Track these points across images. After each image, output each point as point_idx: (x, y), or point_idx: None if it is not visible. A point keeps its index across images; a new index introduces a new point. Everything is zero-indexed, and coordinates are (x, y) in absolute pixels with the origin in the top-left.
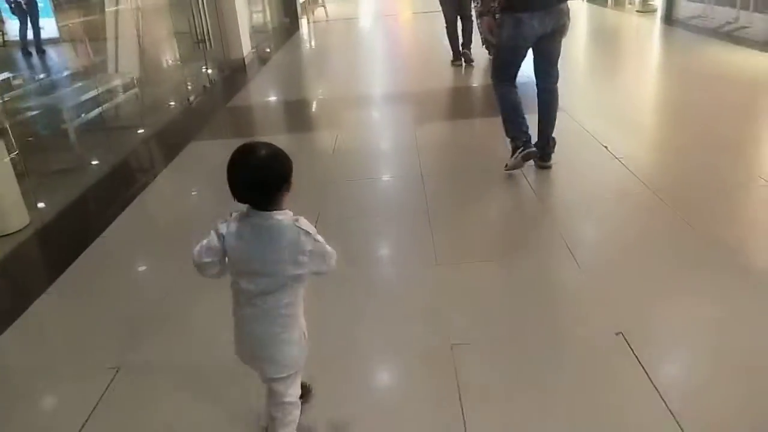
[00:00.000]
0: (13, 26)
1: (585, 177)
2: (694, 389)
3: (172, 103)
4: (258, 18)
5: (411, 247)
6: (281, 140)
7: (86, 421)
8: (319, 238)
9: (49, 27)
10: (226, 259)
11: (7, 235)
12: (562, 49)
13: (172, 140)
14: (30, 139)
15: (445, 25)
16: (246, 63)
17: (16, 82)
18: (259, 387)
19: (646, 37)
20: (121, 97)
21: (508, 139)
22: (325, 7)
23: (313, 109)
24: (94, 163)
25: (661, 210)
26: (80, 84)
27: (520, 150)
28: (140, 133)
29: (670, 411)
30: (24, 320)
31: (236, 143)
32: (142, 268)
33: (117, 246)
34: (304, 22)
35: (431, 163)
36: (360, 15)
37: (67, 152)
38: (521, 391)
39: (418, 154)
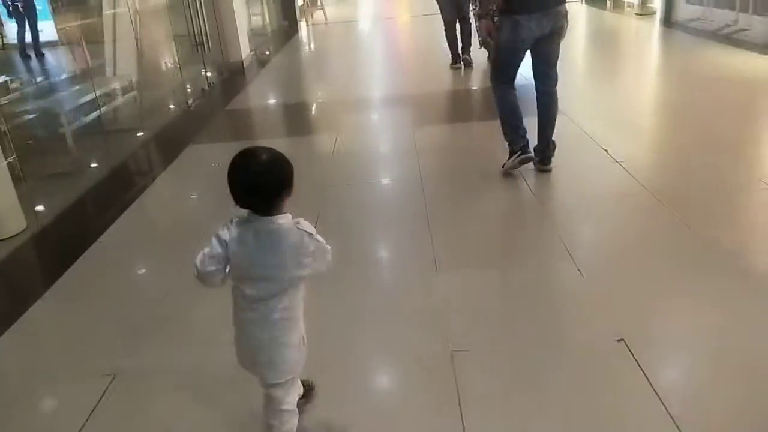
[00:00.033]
0: (12, 29)
1: (585, 180)
2: (694, 393)
3: (171, 106)
4: (257, 21)
5: (410, 251)
6: (280, 143)
7: (83, 425)
8: (320, 237)
9: (47, 30)
10: (228, 265)
11: (4, 239)
12: (561, 51)
13: (170, 143)
14: (28, 142)
15: (444, 27)
16: (245, 66)
17: (13, 85)
18: (259, 392)
19: (645, 39)
20: (119, 100)
21: (507, 142)
22: (324, 10)
23: (313, 112)
24: (91, 166)
25: (662, 213)
26: (78, 87)
27: (517, 154)
28: (139, 137)
29: (670, 415)
30: (21, 325)
31: (235, 146)
32: (139, 272)
33: (114, 250)
34: (303, 25)
35: (430, 165)
36: (359, 18)
37: (65, 156)
38: (521, 395)
39: (417, 157)
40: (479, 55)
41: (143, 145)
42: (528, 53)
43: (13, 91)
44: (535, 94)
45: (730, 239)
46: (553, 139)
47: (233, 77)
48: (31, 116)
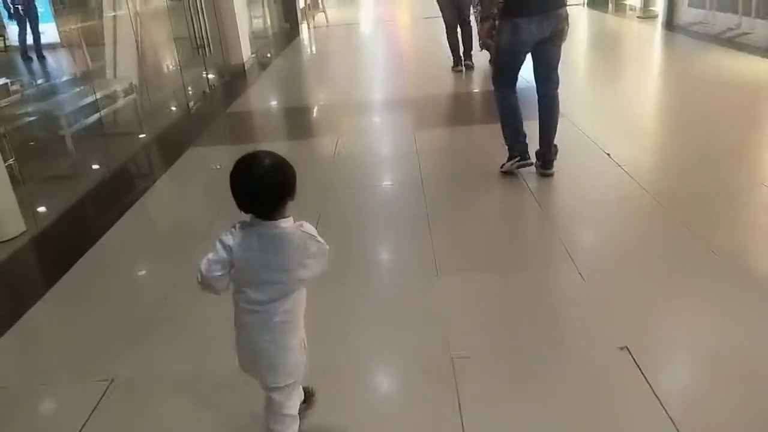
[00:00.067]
0: (14, 31)
1: (586, 183)
2: (695, 397)
3: (172, 109)
4: (258, 23)
5: (411, 254)
6: (281, 146)
7: (82, 427)
8: (320, 239)
9: (49, 32)
10: (232, 271)
11: (3, 242)
12: (562, 54)
13: (171, 145)
14: (30, 144)
15: (445, 30)
16: (246, 68)
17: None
18: (260, 395)
19: (647, 43)
20: (120, 103)
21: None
22: (325, 13)
23: (314, 115)
24: (91, 169)
25: (663, 216)
26: (79, 89)
27: (516, 159)
28: (139, 139)
29: (670, 419)
30: (20, 326)
31: (236, 149)
32: (139, 274)
33: (114, 252)
34: (304, 28)
35: (431, 168)
36: (360, 20)
37: (65, 158)
38: (521, 399)
39: (418, 160)
40: (480, 57)
41: (143, 148)
42: (529, 56)
43: (13, 93)
44: (537, 97)
45: (731, 242)
46: (554, 142)
47: (234, 80)
48: (31, 118)
